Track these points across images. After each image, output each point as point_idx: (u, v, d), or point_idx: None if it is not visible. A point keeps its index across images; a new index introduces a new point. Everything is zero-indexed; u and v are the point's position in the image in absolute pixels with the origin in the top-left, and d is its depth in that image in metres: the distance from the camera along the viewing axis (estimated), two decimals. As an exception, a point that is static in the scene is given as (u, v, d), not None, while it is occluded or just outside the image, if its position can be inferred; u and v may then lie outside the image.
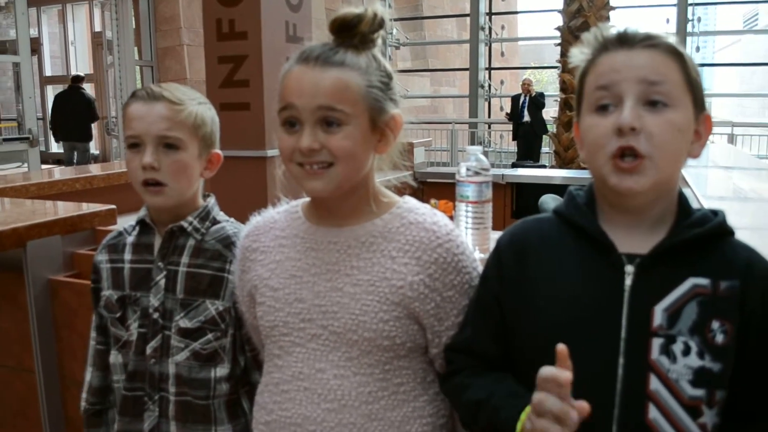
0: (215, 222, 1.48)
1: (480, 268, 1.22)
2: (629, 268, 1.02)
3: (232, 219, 1.52)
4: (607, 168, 1.00)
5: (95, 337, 1.55)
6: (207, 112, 1.43)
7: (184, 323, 1.41)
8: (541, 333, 1.05)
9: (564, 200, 1.13)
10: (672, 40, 1.01)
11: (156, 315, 1.42)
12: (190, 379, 1.41)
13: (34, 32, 13.43)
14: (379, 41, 1.18)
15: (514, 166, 8.82)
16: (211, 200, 1.50)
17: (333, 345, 1.17)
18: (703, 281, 1.00)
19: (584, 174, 5.09)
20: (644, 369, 0.99)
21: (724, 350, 0.98)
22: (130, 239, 1.49)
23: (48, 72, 16.42)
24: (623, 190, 1.00)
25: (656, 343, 0.99)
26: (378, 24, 1.15)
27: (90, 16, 15.99)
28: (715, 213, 1.05)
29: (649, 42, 1.00)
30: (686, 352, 0.98)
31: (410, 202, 1.24)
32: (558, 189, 4.17)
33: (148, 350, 1.42)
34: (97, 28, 15.27)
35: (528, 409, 0.96)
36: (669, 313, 0.99)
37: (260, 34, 2.35)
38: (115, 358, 1.48)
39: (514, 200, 4.99)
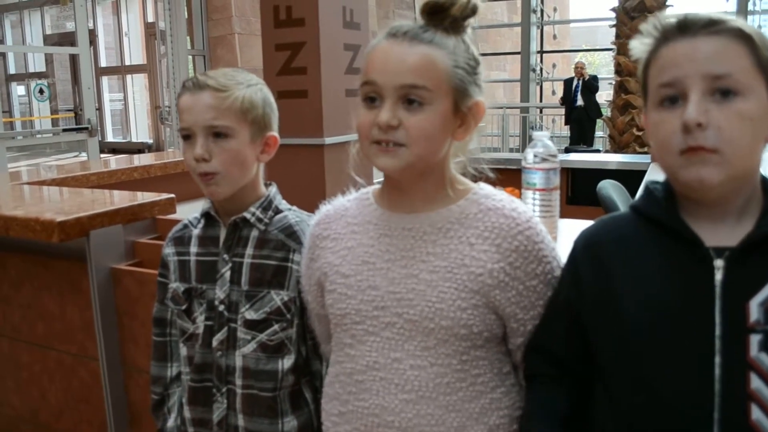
0: (278, 211, 1.46)
1: (560, 259, 1.18)
2: (719, 263, 0.96)
3: (294, 207, 1.50)
4: (678, 163, 0.95)
5: (153, 329, 1.57)
6: (257, 94, 1.40)
7: (250, 315, 1.40)
8: (629, 337, 1.01)
9: (641, 195, 1.09)
10: (738, 22, 0.95)
11: (222, 307, 1.42)
12: (257, 371, 1.41)
13: (89, 24, 13.70)
14: (469, 30, 1.15)
15: (567, 151, 8.67)
16: (273, 189, 1.49)
17: (408, 334, 1.15)
18: None
19: (641, 158, 4.98)
20: (743, 367, 0.93)
21: None
22: (195, 231, 1.50)
23: (103, 63, 16.77)
24: (695, 184, 0.95)
25: (754, 339, 0.93)
26: (470, 10, 1.13)
27: (143, 7, 16.27)
28: None
29: (712, 28, 0.94)
30: None
31: (486, 188, 1.21)
32: (614, 174, 4.07)
33: (215, 342, 1.43)
34: (150, 18, 15.53)
35: None
36: (766, 307, 0.93)
37: (317, 21, 2.32)
38: (182, 350, 1.49)
39: (570, 186, 4.89)
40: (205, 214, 1.48)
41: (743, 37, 0.94)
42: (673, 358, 0.95)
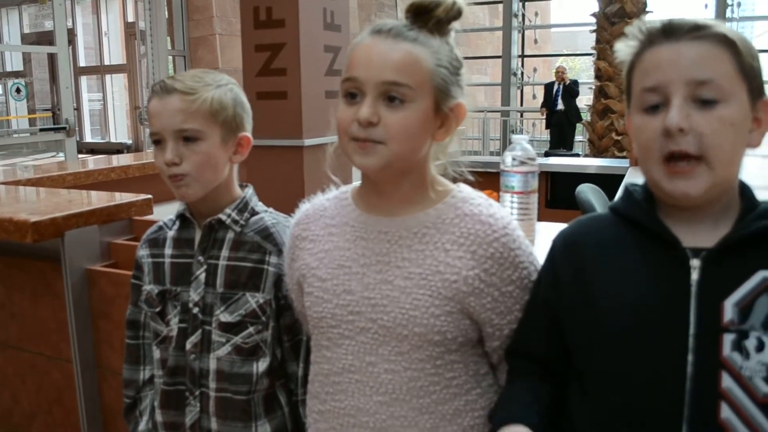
0: (254, 213, 1.45)
1: (537, 263, 1.18)
2: (695, 262, 0.97)
3: (270, 209, 1.49)
4: (660, 172, 0.96)
5: (126, 332, 1.55)
6: (227, 95, 1.38)
7: (225, 317, 1.39)
8: (606, 336, 1.01)
9: (620, 197, 1.09)
10: (722, 27, 0.95)
11: (196, 310, 1.41)
12: (232, 374, 1.40)
13: (68, 23, 13.57)
14: (453, 33, 1.15)
15: (547, 154, 8.71)
16: (249, 191, 1.48)
17: (382, 339, 1.14)
18: None
19: (620, 163, 5.02)
20: (715, 366, 0.94)
21: None
22: (170, 233, 1.48)
23: (82, 63, 16.64)
24: (679, 196, 0.96)
25: (727, 339, 0.94)
26: (455, 12, 1.13)
27: (123, 7, 16.15)
28: None
29: (696, 33, 0.95)
30: (760, 347, 0.93)
31: (465, 191, 1.20)
32: (593, 178, 4.10)
33: (188, 345, 1.41)
34: (130, 18, 15.43)
35: None
36: (740, 307, 0.94)
37: (298, 22, 2.30)
38: (155, 353, 1.47)
39: (549, 190, 4.92)
40: (180, 216, 1.46)
41: (727, 42, 0.94)
42: (649, 357, 0.96)
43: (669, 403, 0.95)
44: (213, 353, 1.40)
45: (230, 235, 1.42)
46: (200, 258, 1.42)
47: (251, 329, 1.39)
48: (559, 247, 1.12)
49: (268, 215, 1.46)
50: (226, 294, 1.39)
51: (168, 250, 1.46)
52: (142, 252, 1.50)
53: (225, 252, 1.41)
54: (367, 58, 1.09)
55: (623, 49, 1.03)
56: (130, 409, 1.55)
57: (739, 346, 0.94)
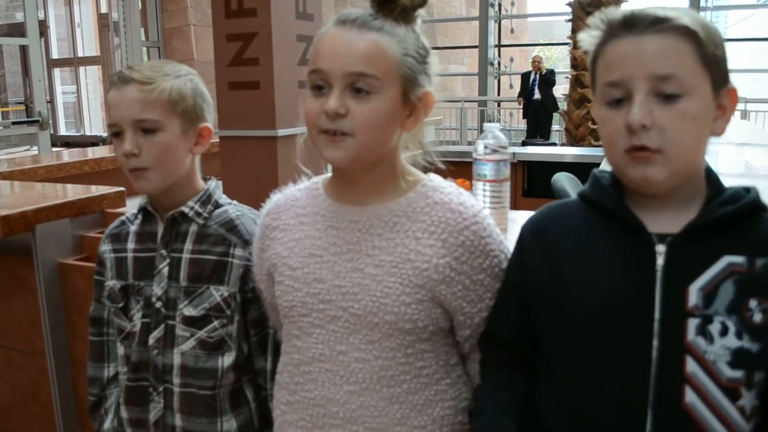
0: (218, 205, 1.43)
1: (508, 251, 1.19)
2: (660, 248, 0.98)
3: (234, 201, 1.48)
4: (623, 161, 0.98)
5: (90, 329, 1.53)
6: (186, 84, 1.36)
7: (189, 311, 1.37)
8: (574, 321, 1.02)
9: (589, 183, 1.10)
10: (684, 18, 0.95)
11: (159, 304, 1.39)
12: (197, 369, 1.38)
13: (40, 15, 13.37)
14: (419, 20, 1.14)
15: (524, 144, 8.75)
16: (212, 183, 1.46)
17: (353, 327, 1.14)
18: (738, 259, 0.96)
19: (596, 151, 5.05)
20: (680, 351, 0.95)
21: (763, 330, 0.95)
22: (133, 228, 1.46)
23: (55, 55, 16.39)
24: (640, 181, 0.97)
25: (692, 323, 0.95)
26: (421, 0, 1.12)
27: (96, -2, 15.92)
28: (747, 190, 1.01)
29: (658, 26, 0.95)
30: (723, 332, 0.95)
31: (435, 180, 1.20)
32: (570, 167, 4.12)
33: (151, 340, 1.39)
34: (104, 9, 15.21)
35: None
36: (704, 292, 0.96)
37: (269, 11, 2.28)
38: (119, 349, 1.46)
39: (526, 179, 4.94)
40: (143, 210, 1.45)
41: (688, 34, 0.94)
42: (615, 342, 0.97)
43: (634, 388, 0.96)
44: (177, 348, 1.38)
45: (193, 228, 1.40)
46: (163, 252, 1.40)
47: (216, 323, 1.38)
48: (527, 233, 1.13)
49: (232, 207, 1.44)
50: (190, 288, 1.38)
51: (131, 245, 1.44)
52: (105, 247, 1.48)
53: (188, 245, 1.39)
54: (332, 50, 1.09)
55: (587, 39, 1.03)
56: (95, 406, 1.53)
57: (703, 331, 0.95)
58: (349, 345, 1.15)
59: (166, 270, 1.39)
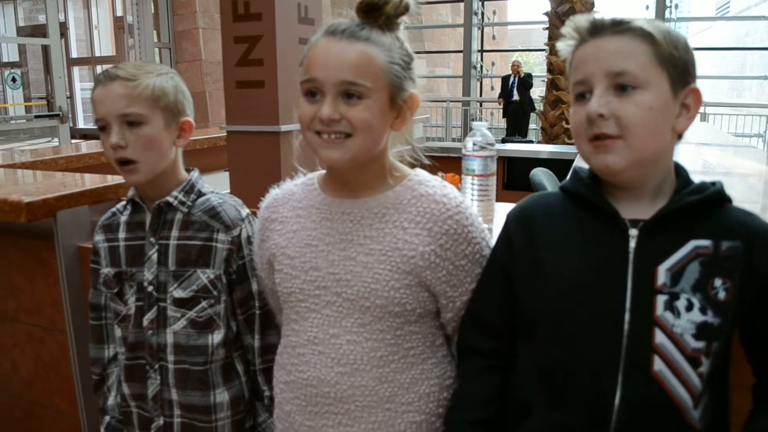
0: (200, 194, 1.42)
1: (489, 239, 1.18)
2: (633, 232, 1.00)
3: (216, 190, 1.46)
4: (588, 150, 1.00)
5: (89, 314, 1.53)
6: (167, 81, 1.35)
7: (178, 293, 1.37)
8: (551, 296, 1.03)
9: (569, 176, 1.12)
10: (641, 21, 0.98)
11: (150, 288, 1.38)
12: (189, 347, 1.38)
13: (61, 17, 13.24)
14: (402, 26, 1.13)
15: (503, 141, 8.76)
16: (195, 173, 1.45)
17: (346, 311, 1.14)
18: (704, 243, 0.98)
19: (569, 149, 5.07)
20: (650, 324, 0.97)
21: (725, 306, 0.97)
22: (123, 218, 1.45)
23: (74, 54, 16.27)
24: (603, 169, 0.99)
25: (660, 300, 0.97)
26: (403, 8, 1.11)
27: (112, 2, 15.78)
28: (713, 183, 1.03)
29: (617, 29, 0.98)
30: (689, 308, 0.97)
31: (421, 174, 1.20)
32: (546, 162, 4.16)
33: (145, 322, 1.39)
34: (119, 12, 15.09)
35: None
36: (672, 272, 0.98)
37: (274, 16, 2.27)
38: (116, 331, 1.46)
39: (506, 173, 4.96)
40: (131, 201, 1.44)
41: (644, 35, 0.97)
42: (590, 317, 0.99)
43: (607, 357, 0.98)
44: (169, 328, 1.38)
45: (179, 216, 1.39)
46: (152, 239, 1.39)
47: (204, 303, 1.37)
48: (513, 218, 1.14)
49: (214, 196, 1.43)
50: (178, 271, 1.37)
51: (122, 234, 1.43)
52: (98, 237, 1.47)
53: (175, 232, 1.38)
54: (323, 60, 1.07)
55: (563, 47, 1.06)
56: (98, 385, 1.54)
57: (671, 306, 0.97)
58: (341, 328, 1.15)
59: (155, 256, 1.38)
